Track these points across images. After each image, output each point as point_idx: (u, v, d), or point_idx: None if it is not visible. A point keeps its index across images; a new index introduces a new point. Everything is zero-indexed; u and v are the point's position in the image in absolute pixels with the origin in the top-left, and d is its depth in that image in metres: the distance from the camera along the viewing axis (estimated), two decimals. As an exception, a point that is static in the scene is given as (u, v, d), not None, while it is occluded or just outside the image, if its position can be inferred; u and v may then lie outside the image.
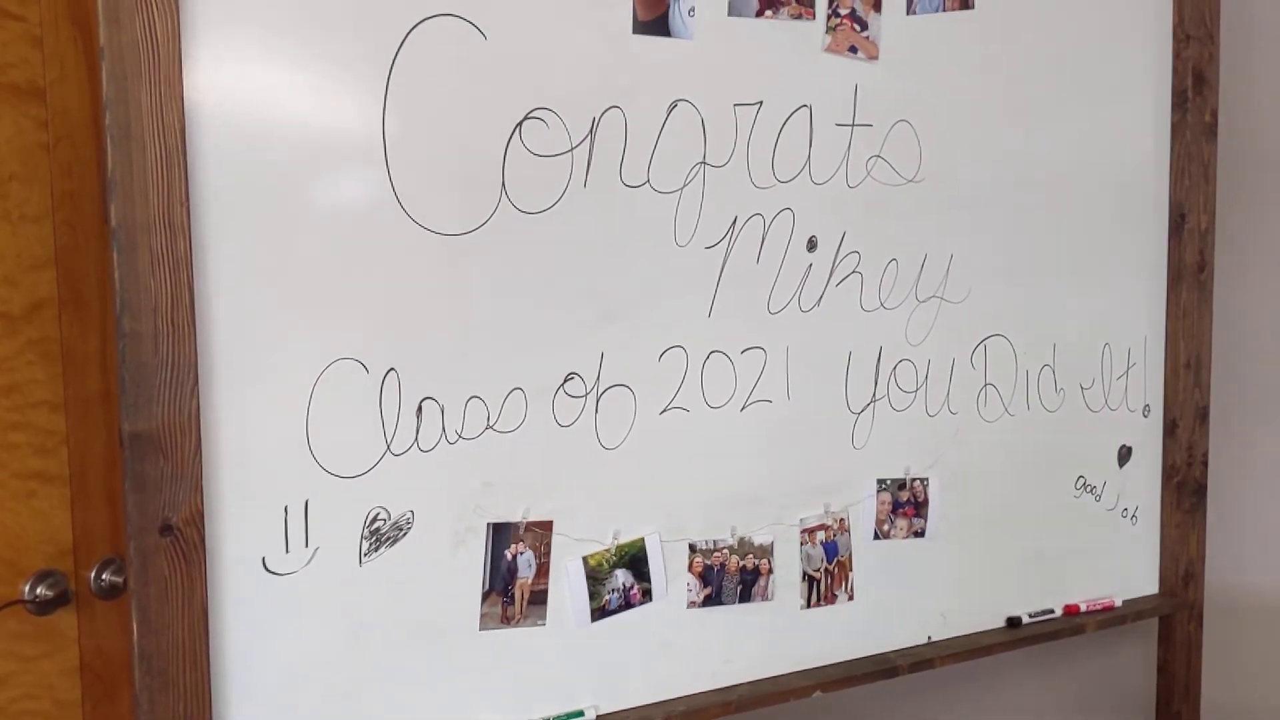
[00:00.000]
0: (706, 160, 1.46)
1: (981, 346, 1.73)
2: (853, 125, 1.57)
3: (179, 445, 1.15)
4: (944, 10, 1.64)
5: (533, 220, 1.36)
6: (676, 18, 1.43)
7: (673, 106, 1.43)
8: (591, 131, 1.38)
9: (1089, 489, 1.88)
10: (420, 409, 1.29)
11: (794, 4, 1.51)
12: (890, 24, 1.59)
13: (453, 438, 1.32)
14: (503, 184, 1.32)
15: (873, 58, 1.58)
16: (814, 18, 1.53)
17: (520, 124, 1.33)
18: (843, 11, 1.55)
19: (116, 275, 1.11)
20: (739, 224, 1.50)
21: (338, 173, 1.23)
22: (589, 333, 1.40)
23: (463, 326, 1.32)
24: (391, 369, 1.27)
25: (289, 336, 1.21)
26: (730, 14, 1.47)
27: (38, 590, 1.35)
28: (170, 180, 1.13)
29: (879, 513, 1.66)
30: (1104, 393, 1.87)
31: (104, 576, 1.40)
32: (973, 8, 1.66)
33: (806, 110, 1.53)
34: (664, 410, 1.47)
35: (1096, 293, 1.84)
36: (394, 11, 1.24)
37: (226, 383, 1.17)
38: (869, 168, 1.59)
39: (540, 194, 1.36)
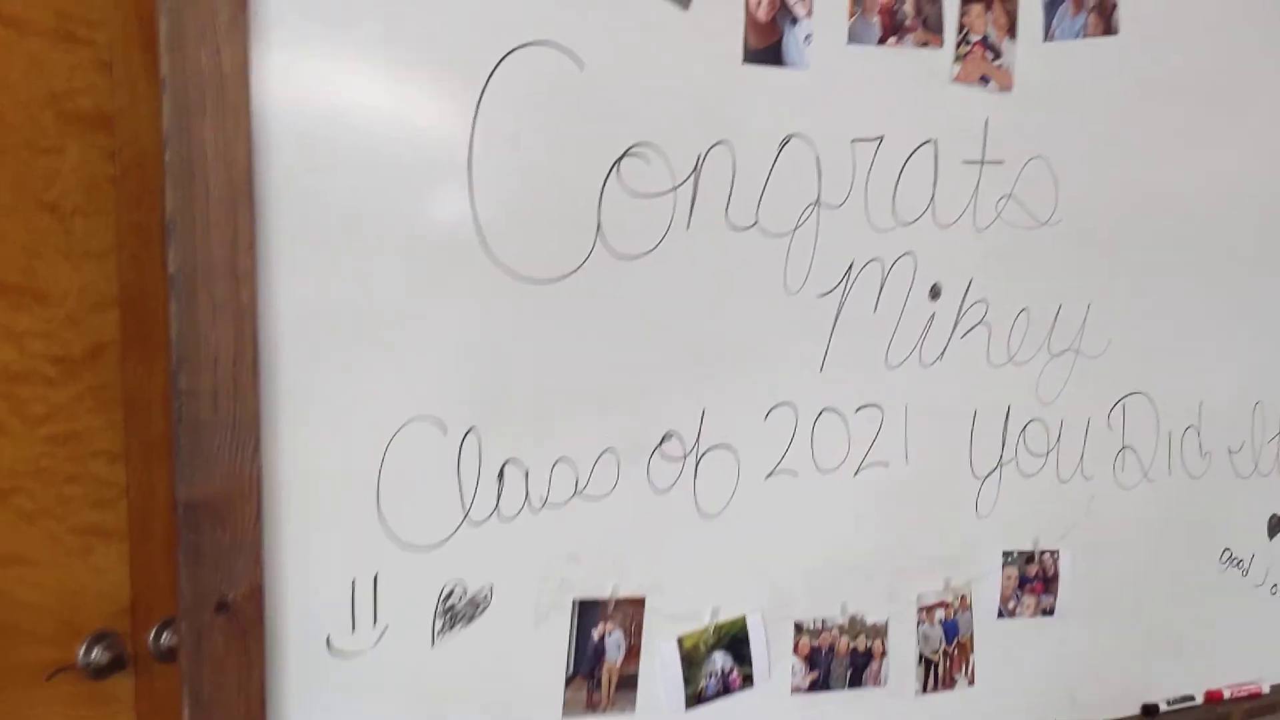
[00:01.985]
0: (821, 200, 1.33)
1: (1120, 405, 1.56)
2: (982, 162, 1.43)
3: (239, 513, 1.04)
4: (1085, 36, 1.48)
5: (630, 265, 1.23)
6: (791, 46, 1.30)
7: (785, 142, 1.30)
8: (696, 169, 1.25)
9: (1235, 562, 1.70)
10: (502, 473, 1.18)
11: (921, 30, 1.37)
12: (1026, 52, 1.44)
13: (537, 505, 1.20)
14: (598, 226, 1.20)
15: (1006, 88, 1.43)
16: (942, 45, 1.39)
17: (619, 161, 1.21)
18: (974, 38, 1.40)
19: (174, 327, 1.01)
20: (855, 270, 1.36)
21: (417, 212, 1.12)
22: (689, 388, 1.28)
23: (551, 381, 1.20)
24: (471, 428, 1.16)
25: (360, 393, 1.10)
26: (850, 42, 1.33)
27: (93, 653, 1.25)
28: (235, 222, 1.03)
29: (1004, 589, 1.50)
30: (1254, 457, 1.69)
31: (164, 638, 1.30)
32: (1116, 32, 1.50)
33: (931, 146, 1.39)
34: (770, 474, 1.33)
35: (1249, 346, 1.66)
36: (486, 37, 1.13)
37: (291, 444, 1.07)
38: (999, 209, 1.44)
39: (639, 236, 1.23)
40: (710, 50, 1.26)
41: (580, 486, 1.22)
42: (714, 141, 1.27)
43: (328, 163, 1.08)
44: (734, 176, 1.28)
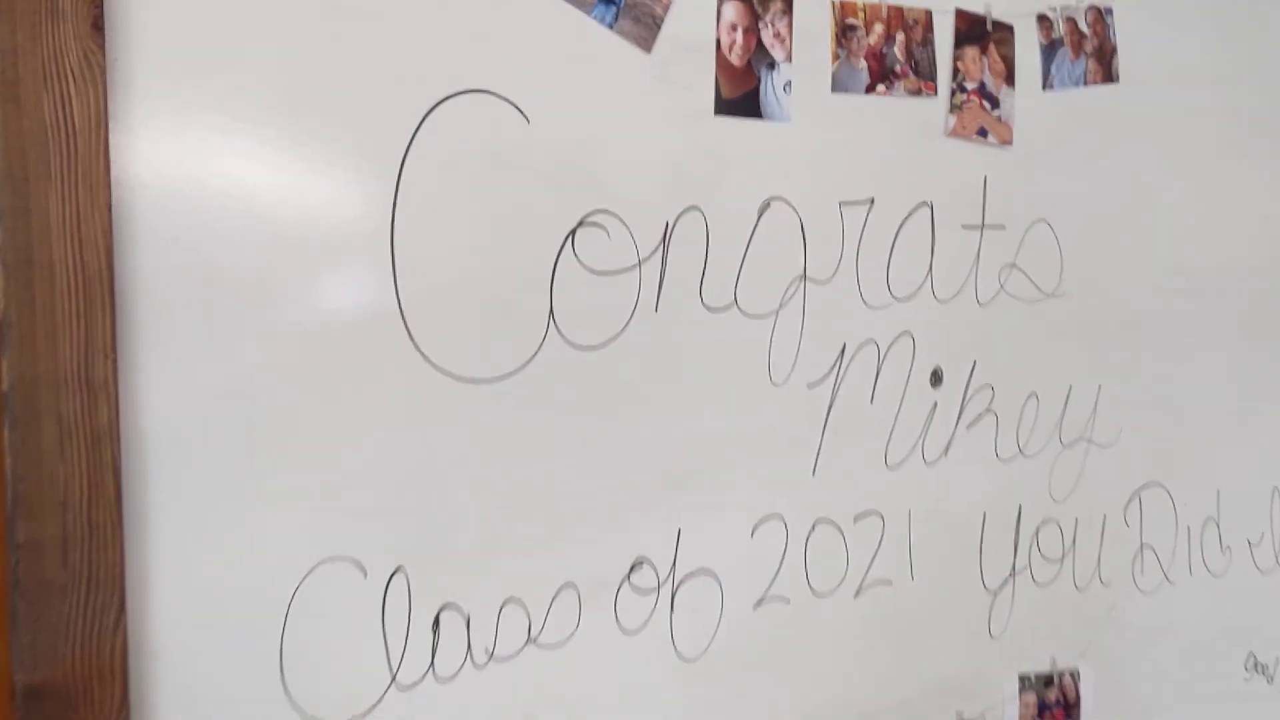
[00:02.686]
0: (808, 274, 1.13)
1: (1136, 499, 1.37)
2: (982, 227, 1.24)
3: (98, 699, 0.79)
4: (1085, 84, 1.31)
5: (588, 356, 1.02)
6: (769, 95, 1.10)
7: (765, 206, 1.10)
8: (664, 240, 1.04)
9: (1260, 669, 1.51)
10: (438, 621, 0.94)
11: (912, 76, 1.18)
12: (1024, 101, 1.26)
13: (481, 658, 0.96)
14: (550, 311, 0.98)
15: (1005, 142, 1.25)
16: (935, 93, 1.20)
17: (574, 232, 1.00)
18: (969, 85, 1.22)
19: (8, 461, 0.76)
20: (848, 354, 1.16)
21: (326, 298, 0.89)
22: (661, 503, 1.06)
23: (495, 503, 0.97)
24: (398, 568, 0.92)
25: (255, 531, 0.86)
26: (835, 90, 1.14)
27: None
28: (89, 320, 0.79)
29: (1023, 719, 1.29)
30: (1275, 549, 1.51)
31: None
32: (1117, 80, 1.33)
33: (927, 209, 1.20)
34: (759, 602, 1.11)
35: (1267, 427, 1.48)
36: (412, 85, 0.92)
37: (165, 604, 0.82)
38: (1002, 279, 1.25)
39: (599, 322, 1.02)
40: (677, 101, 1.06)
41: (534, 633, 0.99)
42: (684, 207, 1.06)
43: (210, 240, 0.85)
44: (707, 248, 1.07)
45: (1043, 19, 1.29)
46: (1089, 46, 1.32)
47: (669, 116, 1.05)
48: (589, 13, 1.02)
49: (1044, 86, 1.29)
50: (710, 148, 1.08)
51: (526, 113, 0.98)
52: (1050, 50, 1.30)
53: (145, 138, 0.83)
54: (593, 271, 1.01)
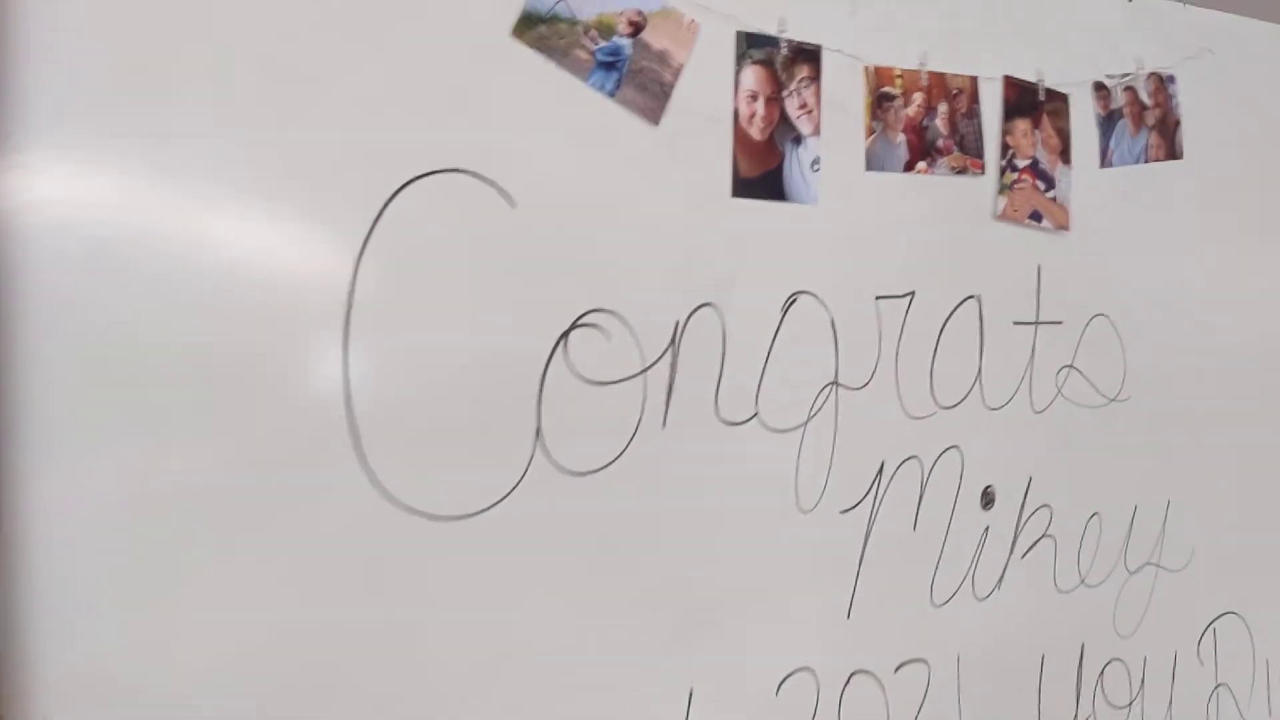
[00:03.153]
0: (839, 380, 0.96)
1: (1210, 631, 1.20)
2: (1036, 323, 1.08)
3: None
4: (1147, 160, 1.15)
5: (583, 484, 0.85)
6: (794, 174, 0.95)
7: (790, 302, 0.94)
8: (674, 343, 0.88)
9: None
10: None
11: (957, 152, 1.03)
12: (1081, 180, 1.10)
13: None
14: (538, 431, 0.82)
15: (1062, 227, 1.09)
16: (983, 171, 1.04)
17: (566, 334, 0.83)
18: (1020, 163, 1.07)
19: None
20: (887, 473, 0.99)
21: (257, 410, 0.72)
22: (670, 654, 0.88)
23: (467, 664, 0.79)
24: (350, 752, 0.74)
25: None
26: (870, 168, 0.98)
27: None
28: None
29: None
30: (1362, 682, 1.33)
31: None
32: (1181, 157, 1.17)
33: (974, 303, 1.04)
34: (785, 775, 0.93)
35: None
36: (376, 162, 0.76)
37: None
38: (1060, 382, 1.09)
39: (595, 442, 0.86)
40: (689, 180, 0.90)
41: (516, 825, 0.81)
42: (696, 304, 0.90)
43: (118, 323, 0.68)
44: (724, 352, 0.91)
45: (1100, 88, 1.14)
46: (1150, 119, 1.17)
47: (679, 198, 0.90)
48: (585, 79, 0.86)
49: (1102, 163, 1.14)
50: (727, 234, 0.92)
51: (511, 195, 0.82)
52: (1108, 123, 1.14)
53: (41, 194, 0.66)
54: (588, 381, 0.85)
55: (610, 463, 0.86)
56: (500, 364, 0.82)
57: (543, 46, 0.84)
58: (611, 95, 0.88)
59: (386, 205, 0.78)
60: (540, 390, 0.83)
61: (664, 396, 0.89)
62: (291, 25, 0.74)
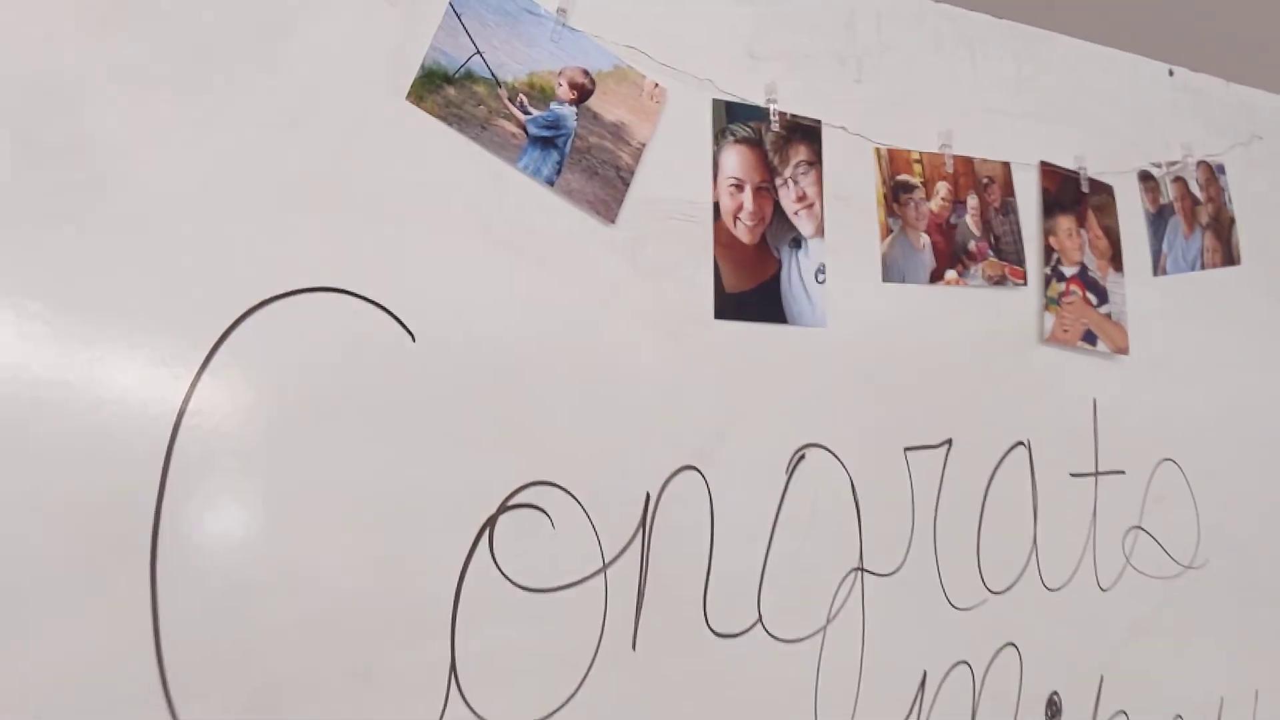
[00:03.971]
0: (865, 564, 0.71)
1: None
2: (1096, 474, 0.83)
3: None
4: (1203, 266, 0.93)
5: (521, 741, 0.57)
6: (794, 286, 0.70)
7: (798, 459, 0.69)
8: (644, 525, 0.62)
9: None
10: None
11: (992, 257, 0.79)
12: (1135, 292, 0.87)
13: None
14: (451, 666, 0.55)
15: (1120, 350, 0.86)
16: (1024, 280, 0.81)
17: (493, 522, 0.56)
18: (1067, 270, 0.84)
19: None
20: (930, 684, 0.72)
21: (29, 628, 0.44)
22: None
23: None
24: None
25: None
26: (889, 278, 0.74)
27: None
28: None
29: None
30: None
31: None
32: (1239, 262, 0.96)
33: (1023, 451, 0.79)
34: None
35: None
36: (218, 276, 0.49)
37: None
38: (1128, 549, 0.84)
39: (536, 678, 0.57)
40: (659, 298, 0.65)
41: None
42: (673, 469, 0.64)
43: None
44: (713, 535, 0.65)
45: (1146, 179, 0.92)
46: (1204, 216, 0.96)
47: (646, 323, 0.64)
48: (515, 160, 0.61)
49: (1155, 270, 0.91)
50: (711, 370, 0.67)
51: (407, 323, 0.56)
52: (1159, 221, 0.92)
53: None
54: (525, 589, 0.58)
55: (559, 709, 0.59)
56: (396, 567, 0.55)
57: (452, 116, 0.60)
58: (550, 183, 0.63)
59: (227, 336, 0.51)
60: (455, 606, 0.56)
61: (633, 604, 0.62)
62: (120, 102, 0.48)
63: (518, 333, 0.60)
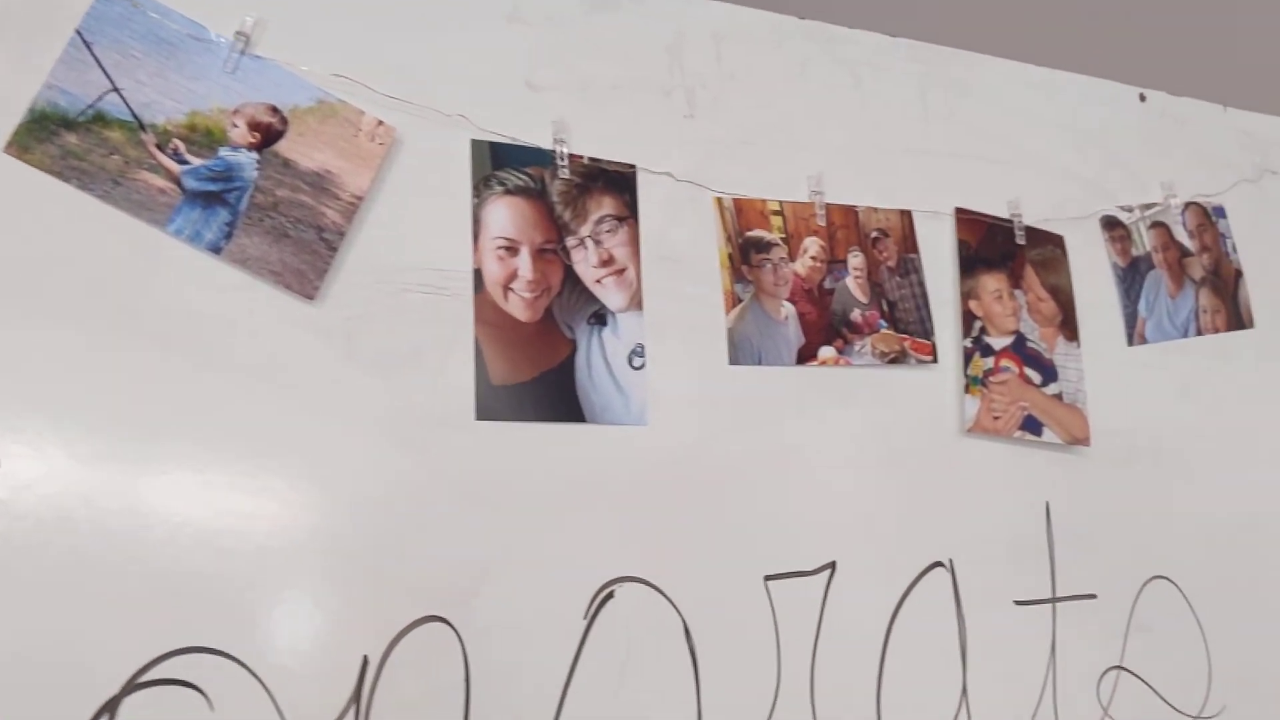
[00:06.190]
0: (702, 737, 0.52)
1: None
2: (1054, 600, 0.64)
3: None
4: (1198, 332, 0.74)
5: None
6: (596, 372, 0.56)
7: (601, 600, 0.52)
8: (356, 701, 0.45)
9: None
10: None
11: (885, 329, 0.62)
12: (1100, 368, 0.69)
13: None
14: None
15: (1077, 441, 0.67)
16: (933, 357, 0.63)
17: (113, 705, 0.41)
18: (997, 343, 0.66)
19: None
20: None
21: None
22: None
23: None
24: None
25: None
26: (738, 360, 0.58)
27: None
28: None
29: None
30: None
31: None
32: (1251, 325, 0.76)
33: (944, 574, 0.61)
34: None
35: None
36: None
37: None
38: (1104, 696, 0.65)
39: None
40: (389, 401, 0.49)
41: None
42: (405, 624, 0.47)
43: None
44: (467, 709, 0.48)
45: (1113, 226, 0.74)
46: (1196, 269, 0.77)
47: (370, 429, 0.48)
48: (164, 223, 0.47)
49: (1130, 338, 0.73)
50: (470, 487, 0.50)
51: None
52: (1132, 276, 0.74)
53: None
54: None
55: None
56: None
57: (71, 169, 0.45)
58: (216, 250, 0.48)
59: None
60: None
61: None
62: None
63: (150, 463, 0.45)
